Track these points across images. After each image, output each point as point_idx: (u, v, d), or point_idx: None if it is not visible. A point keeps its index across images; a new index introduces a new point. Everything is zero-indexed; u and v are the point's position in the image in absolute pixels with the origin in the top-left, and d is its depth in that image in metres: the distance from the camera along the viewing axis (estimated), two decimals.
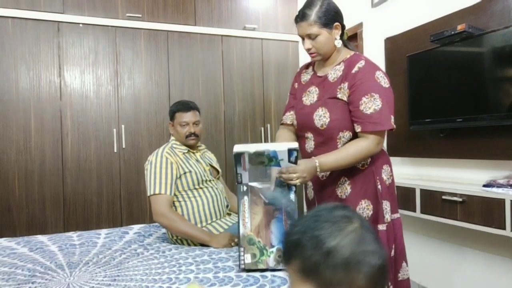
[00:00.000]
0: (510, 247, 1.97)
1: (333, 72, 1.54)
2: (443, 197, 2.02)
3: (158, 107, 3.24)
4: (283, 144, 1.39)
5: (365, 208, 1.49)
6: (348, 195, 1.51)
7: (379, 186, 1.49)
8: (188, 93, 3.33)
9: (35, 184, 2.87)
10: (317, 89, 1.58)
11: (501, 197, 1.74)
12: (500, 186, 1.80)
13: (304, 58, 3.40)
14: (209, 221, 1.90)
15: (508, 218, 1.70)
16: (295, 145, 1.39)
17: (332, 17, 1.48)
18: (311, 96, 1.58)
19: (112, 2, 3.09)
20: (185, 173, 1.89)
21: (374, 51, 2.83)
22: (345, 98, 1.47)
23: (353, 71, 1.47)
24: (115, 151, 3.09)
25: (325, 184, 1.57)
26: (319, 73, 1.61)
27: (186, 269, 1.46)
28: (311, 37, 1.49)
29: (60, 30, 2.96)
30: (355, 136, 1.48)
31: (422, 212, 2.16)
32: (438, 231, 2.41)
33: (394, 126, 1.45)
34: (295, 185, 1.37)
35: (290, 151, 1.35)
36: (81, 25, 3.02)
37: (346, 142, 1.49)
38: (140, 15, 3.16)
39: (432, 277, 2.48)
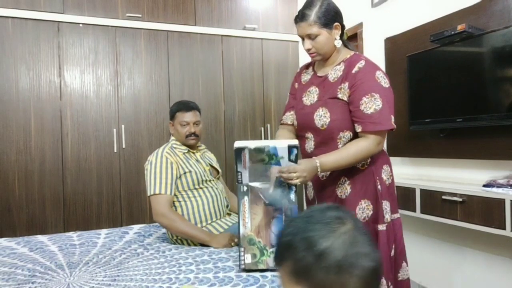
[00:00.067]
0: (510, 247, 1.97)
1: (333, 72, 1.54)
2: (443, 197, 2.02)
3: (158, 107, 3.24)
4: (283, 141, 1.39)
5: (365, 208, 1.49)
6: (348, 195, 1.51)
7: (379, 186, 1.49)
8: (188, 93, 3.33)
9: (35, 184, 2.87)
10: (317, 89, 1.58)
11: (501, 197, 1.74)
12: (500, 186, 1.80)
13: (304, 58, 3.40)
14: (209, 221, 1.90)
15: (508, 218, 1.70)
16: (295, 142, 1.38)
17: (332, 17, 1.48)
18: (311, 96, 1.58)
19: (112, 2, 3.09)
20: (185, 173, 1.89)
21: (374, 51, 2.83)
22: (345, 98, 1.47)
23: (353, 71, 1.47)
24: (115, 151, 3.09)
25: (325, 184, 1.57)
26: (319, 73, 1.61)
27: (186, 269, 1.45)
28: (311, 37, 1.49)
29: (60, 30, 2.96)
30: (355, 136, 1.49)
31: (422, 212, 2.16)
32: (438, 231, 2.41)
33: (395, 126, 1.45)
34: (295, 185, 1.37)
35: (290, 148, 1.35)
36: (81, 25, 3.02)
37: (347, 142, 1.49)
38: (140, 15, 3.16)
39: (432, 277, 2.48)
